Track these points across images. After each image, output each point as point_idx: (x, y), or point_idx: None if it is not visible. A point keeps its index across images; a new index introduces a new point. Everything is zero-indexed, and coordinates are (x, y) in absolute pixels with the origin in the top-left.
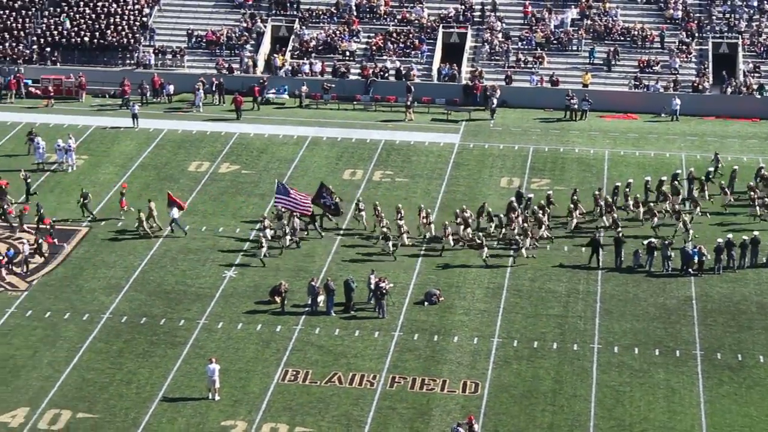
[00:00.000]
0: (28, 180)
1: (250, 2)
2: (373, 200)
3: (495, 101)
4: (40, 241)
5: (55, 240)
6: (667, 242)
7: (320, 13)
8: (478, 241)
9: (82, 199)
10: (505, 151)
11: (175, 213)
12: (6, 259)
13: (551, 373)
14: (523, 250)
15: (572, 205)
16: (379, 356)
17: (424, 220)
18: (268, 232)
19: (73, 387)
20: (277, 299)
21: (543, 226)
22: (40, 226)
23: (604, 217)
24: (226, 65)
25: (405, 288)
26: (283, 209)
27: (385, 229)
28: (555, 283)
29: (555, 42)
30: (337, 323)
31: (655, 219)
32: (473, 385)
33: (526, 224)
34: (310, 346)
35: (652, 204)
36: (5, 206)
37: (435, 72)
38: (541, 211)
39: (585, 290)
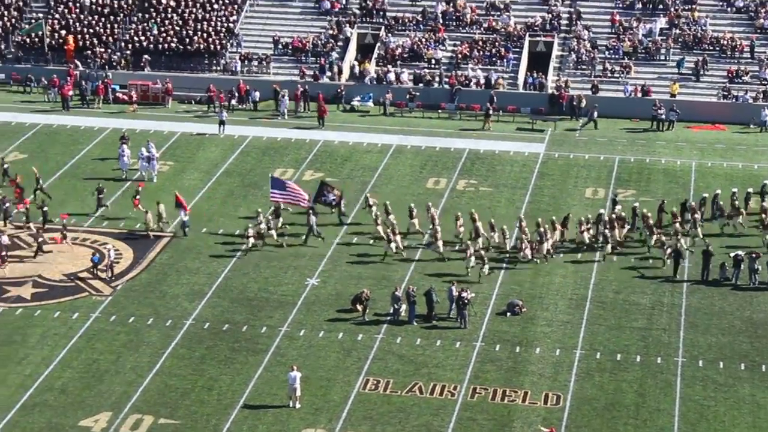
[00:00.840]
0: (38, 176)
1: (337, 9)
2: (456, 209)
3: (596, 113)
4: (41, 239)
5: (67, 240)
6: (754, 255)
7: (406, 20)
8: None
9: (96, 193)
10: (591, 161)
11: (183, 215)
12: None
13: (634, 386)
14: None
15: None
16: (460, 366)
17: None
18: (263, 227)
19: (155, 392)
20: (359, 307)
21: (546, 242)
22: (46, 225)
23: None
24: (311, 72)
25: (487, 298)
26: (279, 204)
27: (380, 228)
28: (639, 296)
29: (643, 51)
30: (418, 333)
31: (654, 238)
32: (555, 397)
33: (525, 236)
34: (392, 356)
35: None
36: (6, 205)
37: (521, 81)
38: (548, 226)
39: (670, 303)
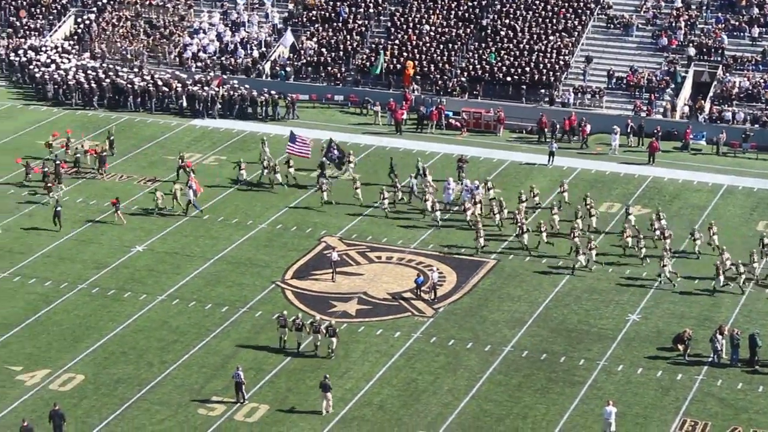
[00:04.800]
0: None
1: (674, 46)
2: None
3: None
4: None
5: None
6: None
7: (745, 60)
8: None
9: (179, 162)
10: None
11: (191, 194)
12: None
13: None
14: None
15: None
16: None
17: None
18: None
19: (470, 416)
20: (680, 347)
21: None
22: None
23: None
24: (645, 108)
25: None
26: (289, 153)
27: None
28: None
29: None
30: (740, 377)
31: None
32: None
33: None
34: (711, 398)
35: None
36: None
37: None
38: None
39: None
